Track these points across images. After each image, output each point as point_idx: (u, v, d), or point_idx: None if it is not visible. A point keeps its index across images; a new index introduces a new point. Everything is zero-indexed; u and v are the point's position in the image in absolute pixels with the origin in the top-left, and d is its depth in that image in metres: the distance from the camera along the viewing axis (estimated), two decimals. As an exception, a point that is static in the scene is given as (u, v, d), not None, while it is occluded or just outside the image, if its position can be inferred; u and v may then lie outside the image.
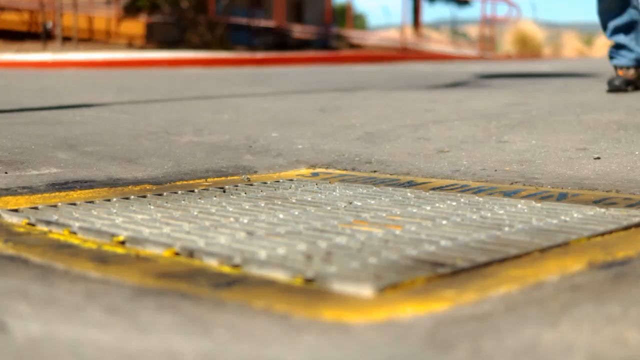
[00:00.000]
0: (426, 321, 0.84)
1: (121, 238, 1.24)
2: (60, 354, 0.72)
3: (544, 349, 0.73)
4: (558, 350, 0.72)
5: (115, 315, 0.85)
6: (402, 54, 16.44)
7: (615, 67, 3.57)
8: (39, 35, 15.06)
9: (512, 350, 0.73)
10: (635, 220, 1.36)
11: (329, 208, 1.50)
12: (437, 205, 1.53)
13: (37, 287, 0.96)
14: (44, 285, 0.97)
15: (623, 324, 0.80)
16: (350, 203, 1.56)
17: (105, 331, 0.79)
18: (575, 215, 1.41)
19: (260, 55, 13.76)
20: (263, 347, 0.76)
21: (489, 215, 1.42)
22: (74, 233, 1.30)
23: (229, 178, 1.97)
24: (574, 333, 0.77)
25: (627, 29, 3.49)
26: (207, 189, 1.74)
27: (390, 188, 1.77)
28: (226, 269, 1.08)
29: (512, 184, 1.81)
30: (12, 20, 16.30)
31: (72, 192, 1.71)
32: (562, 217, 1.39)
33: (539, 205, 1.52)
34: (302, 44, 19.21)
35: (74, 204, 1.54)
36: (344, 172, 2.08)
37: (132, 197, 1.62)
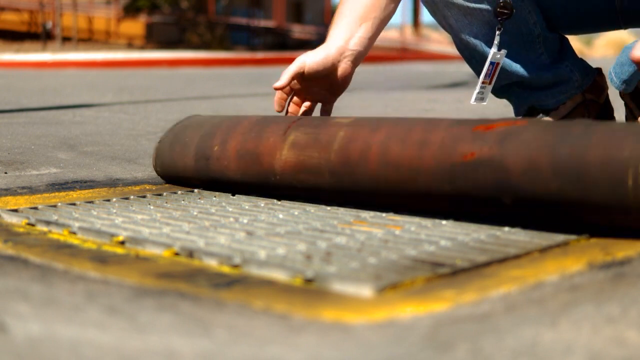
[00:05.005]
0: (426, 321, 0.84)
1: (121, 238, 1.24)
2: (60, 354, 0.72)
3: (544, 349, 0.73)
4: (558, 351, 0.73)
5: (115, 315, 0.85)
6: (401, 54, 16.44)
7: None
8: (38, 35, 15.06)
9: (512, 351, 0.73)
10: (635, 220, 1.35)
11: (328, 208, 1.50)
12: (436, 205, 1.52)
13: (37, 287, 0.96)
14: (44, 285, 0.97)
15: (623, 324, 0.80)
16: (350, 203, 1.55)
17: (104, 331, 0.79)
18: (575, 215, 1.41)
19: (260, 55, 13.75)
20: (262, 347, 0.76)
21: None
22: (74, 233, 1.30)
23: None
24: (573, 333, 0.77)
25: None
26: (207, 189, 1.74)
27: (390, 188, 1.76)
28: (226, 269, 1.08)
29: (511, 184, 1.81)
30: (11, 20, 16.30)
31: (71, 192, 1.71)
32: (562, 217, 1.39)
33: (538, 205, 1.51)
34: (302, 44, 19.20)
35: (74, 204, 1.54)
36: (344, 172, 2.07)
37: (132, 197, 1.62)
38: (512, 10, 1.89)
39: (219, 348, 0.75)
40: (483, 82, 1.94)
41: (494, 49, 1.93)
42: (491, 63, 1.94)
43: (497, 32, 1.91)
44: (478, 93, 1.94)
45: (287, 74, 1.83)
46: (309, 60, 1.84)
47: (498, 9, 1.89)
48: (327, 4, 22.54)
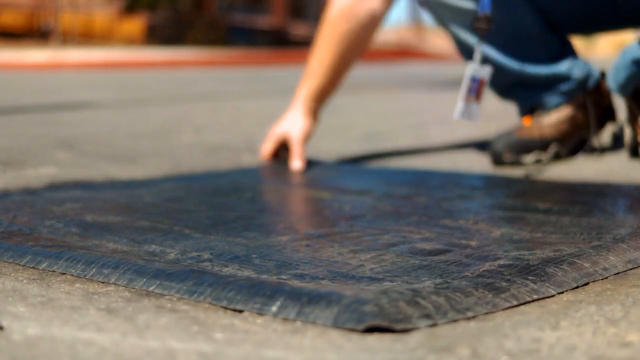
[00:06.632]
0: (426, 322, 0.84)
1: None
2: (58, 355, 0.72)
3: (545, 351, 0.73)
4: (559, 352, 0.72)
5: (113, 316, 0.85)
6: (402, 53, 16.44)
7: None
8: (38, 35, 15.07)
9: (513, 352, 0.73)
10: (636, 220, 1.35)
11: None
12: (437, 205, 1.52)
13: (35, 288, 0.95)
14: (42, 286, 0.97)
15: (624, 324, 0.80)
16: (350, 203, 1.55)
17: (103, 332, 0.79)
18: (575, 215, 1.40)
19: (260, 54, 13.76)
20: (262, 348, 0.75)
21: (489, 215, 1.42)
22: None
23: (228, 178, 1.97)
24: (575, 334, 0.77)
25: None
26: (207, 189, 1.74)
27: (390, 188, 1.76)
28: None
29: (512, 183, 1.81)
30: (10, 20, 16.30)
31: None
32: (563, 217, 1.38)
33: (539, 205, 1.51)
34: (302, 43, 19.22)
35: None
36: (344, 172, 2.07)
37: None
38: (491, 23, 1.88)
39: (219, 349, 0.75)
40: (467, 99, 1.91)
41: (474, 64, 1.92)
42: (474, 79, 1.92)
43: (478, 48, 1.91)
44: (463, 110, 1.91)
45: (270, 145, 2.04)
46: (295, 134, 1.97)
47: (474, 21, 1.89)
48: (327, 3, 22.54)
